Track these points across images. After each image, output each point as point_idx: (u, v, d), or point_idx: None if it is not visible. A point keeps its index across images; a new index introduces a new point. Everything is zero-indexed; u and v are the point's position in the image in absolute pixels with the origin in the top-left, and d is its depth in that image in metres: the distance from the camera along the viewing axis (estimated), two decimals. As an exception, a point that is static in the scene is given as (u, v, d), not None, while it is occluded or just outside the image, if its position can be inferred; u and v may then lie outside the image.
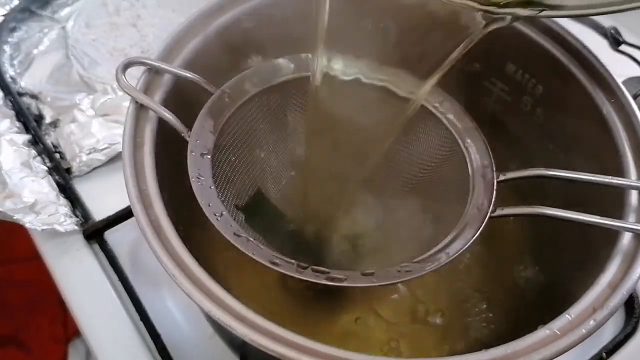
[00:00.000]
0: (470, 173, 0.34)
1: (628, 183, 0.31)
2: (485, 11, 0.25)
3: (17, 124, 0.49)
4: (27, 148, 0.47)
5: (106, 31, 0.58)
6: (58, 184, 0.46)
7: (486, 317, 0.38)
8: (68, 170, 0.47)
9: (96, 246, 0.44)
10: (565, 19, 0.34)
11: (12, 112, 0.50)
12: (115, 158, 0.48)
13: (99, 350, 0.39)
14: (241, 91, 0.35)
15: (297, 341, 0.24)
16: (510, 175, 0.33)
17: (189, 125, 0.32)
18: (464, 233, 0.31)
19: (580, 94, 0.36)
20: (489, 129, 0.35)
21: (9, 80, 0.52)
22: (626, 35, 0.50)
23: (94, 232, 0.43)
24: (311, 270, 0.28)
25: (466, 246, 0.30)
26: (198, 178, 0.31)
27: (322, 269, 0.29)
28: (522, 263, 0.40)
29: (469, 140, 0.35)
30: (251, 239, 0.29)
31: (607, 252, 0.30)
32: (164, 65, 0.33)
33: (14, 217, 0.42)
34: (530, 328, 0.27)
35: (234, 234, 0.29)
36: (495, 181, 0.33)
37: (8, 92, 0.51)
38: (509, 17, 0.26)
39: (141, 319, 0.39)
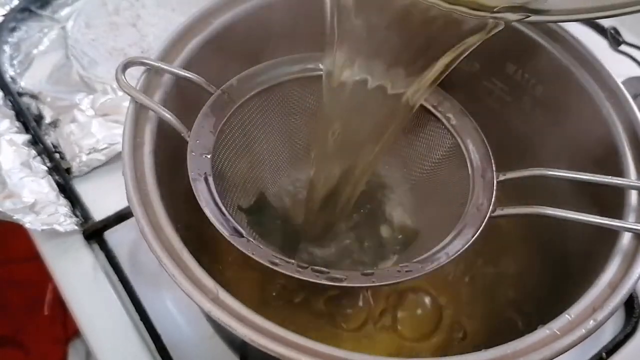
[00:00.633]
0: (470, 173, 0.34)
1: (628, 183, 0.31)
2: (480, 17, 0.26)
3: (17, 124, 0.49)
4: (26, 148, 0.47)
5: (106, 31, 0.58)
6: (58, 184, 0.46)
7: (485, 317, 0.38)
8: (68, 170, 0.47)
9: (96, 246, 0.43)
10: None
11: (12, 112, 0.50)
12: (115, 158, 0.48)
13: (99, 350, 0.39)
14: (241, 91, 0.35)
15: (297, 341, 0.24)
16: (510, 175, 0.33)
17: (189, 125, 0.32)
18: (464, 233, 0.31)
19: (580, 94, 0.36)
20: (489, 129, 0.35)
21: (9, 80, 0.52)
22: (626, 36, 0.50)
23: (94, 232, 0.43)
24: (311, 270, 0.28)
25: (466, 246, 0.30)
26: (198, 178, 0.31)
27: (322, 269, 0.29)
28: (522, 263, 0.40)
29: (468, 140, 0.35)
30: (251, 239, 0.29)
31: (607, 252, 0.30)
32: (163, 65, 0.33)
33: (14, 217, 0.42)
34: (530, 328, 0.27)
35: (234, 234, 0.29)
36: (495, 181, 0.33)
37: (8, 92, 0.51)
38: (502, 22, 0.26)
39: (141, 319, 0.39)
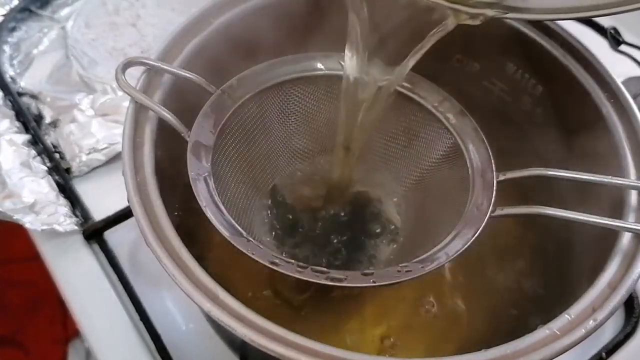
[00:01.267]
0: (470, 173, 0.34)
1: (628, 183, 0.31)
2: (457, 10, 0.28)
3: (17, 124, 0.49)
4: (26, 148, 0.47)
5: (106, 31, 0.58)
6: (58, 184, 0.46)
7: (484, 317, 0.38)
8: (68, 170, 0.47)
9: (96, 246, 0.43)
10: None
11: (12, 112, 0.50)
12: (115, 158, 0.48)
13: (99, 350, 0.39)
14: (241, 91, 0.35)
15: (297, 341, 0.24)
16: (510, 175, 0.33)
17: (189, 125, 0.32)
18: (463, 233, 0.31)
19: (580, 94, 0.36)
20: (489, 129, 0.35)
21: (9, 80, 0.52)
22: (626, 35, 0.50)
23: (94, 232, 0.43)
24: (311, 270, 0.28)
25: (466, 246, 0.30)
26: (198, 178, 0.31)
27: (322, 269, 0.29)
28: (521, 262, 0.40)
29: (468, 140, 0.35)
30: (251, 239, 0.29)
31: (606, 251, 0.30)
32: (163, 65, 0.33)
33: (14, 217, 0.42)
34: (530, 328, 0.27)
35: (234, 234, 0.29)
36: (495, 181, 0.33)
37: (8, 92, 0.51)
38: (480, 17, 0.28)
39: (141, 319, 0.39)
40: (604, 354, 0.40)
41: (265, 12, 0.38)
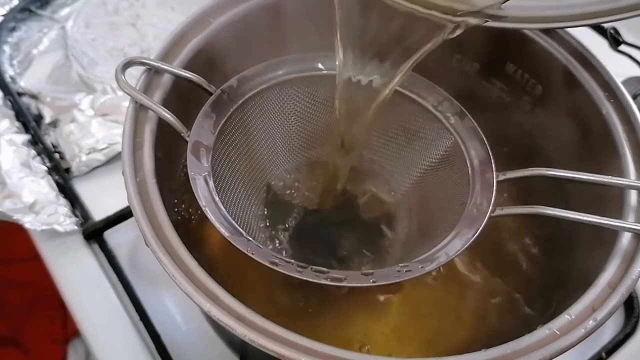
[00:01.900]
0: (469, 173, 0.34)
1: (627, 183, 0.31)
2: (444, 19, 0.29)
3: (17, 123, 0.49)
4: (26, 148, 0.47)
5: (105, 31, 0.58)
6: (57, 184, 0.46)
7: (485, 317, 0.38)
8: (67, 170, 0.47)
9: (96, 246, 0.43)
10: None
11: (12, 112, 0.50)
12: (115, 158, 0.48)
13: (99, 350, 0.39)
14: (241, 91, 0.35)
15: (296, 341, 0.24)
16: (510, 175, 0.33)
17: (189, 125, 0.32)
18: (463, 233, 0.31)
19: (579, 94, 0.36)
20: (489, 129, 0.35)
21: (9, 80, 0.52)
22: (626, 35, 0.50)
23: (94, 232, 0.43)
24: (310, 270, 0.28)
25: (466, 246, 0.30)
26: (197, 178, 0.31)
27: (322, 268, 0.29)
28: (521, 262, 0.40)
29: (468, 140, 0.35)
30: (251, 239, 0.29)
31: (606, 251, 0.30)
32: (163, 65, 0.33)
33: (14, 217, 0.42)
34: (530, 328, 0.27)
35: (234, 234, 0.29)
36: (494, 181, 0.33)
37: (7, 92, 0.51)
38: (463, 25, 0.29)
39: (141, 319, 0.39)
40: (604, 353, 0.40)
41: (265, 11, 0.38)
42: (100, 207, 0.45)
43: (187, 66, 0.34)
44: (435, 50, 0.34)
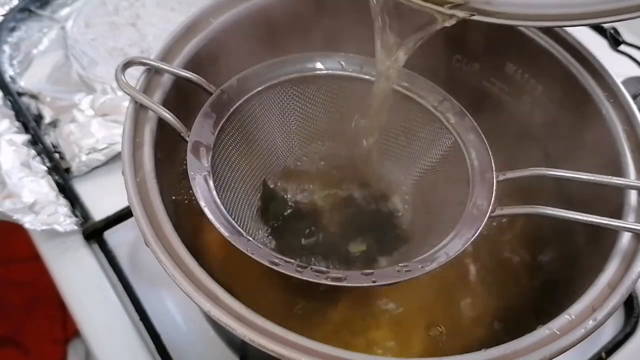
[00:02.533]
0: (469, 173, 0.34)
1: (627, 183, 0.31)
2: (437, 12, 0.31)
3: (17, 123, 0.49)
4: (26, 148, 0.47)
5: (105, 31, 0.58)
6: (57, 184, 0.46)
7: (485, 316, 0.38)
8: (67, 170, 0.47)
9: (96, 246, 0.44)
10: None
11: (12, 112, 0.50)
12: (115, 158, 0.48)
13: (99, 350, 0.39)
14: (241, 91, 0.35)
15: (296, 341, 0.24)
16: (510, 174, 0.33)
17: (189, 125, 0.32)
18: (463, 232, 0.31)
19: (579, 93, 0.36)
20: (489, 129, 0.35)
21: (9, 80, 0.52)
22: (626, 35, 0.50)
23: (94, 232, 0.43)
24: (310, 270, 0.28)
25: (465, 246, 0.30)
26: (197, 177, 0.31)
27: (322, 268, 0.29)
28: (521, 262, 0.40)
29: (468, 140, 0.35)
30: (251, 239, 0.29)
31: (606, 251, 0.30)
32: (163, 65, 0.33)
33: (14, 217, 0.42)
34: (530, 328, 0.27)
35: (234, 233, 0.29)
36: (494, 181, 0.33)
37: (7, 92, 0.51)
38: (455, 18, 0.31)
39: (141, 319, 0.39)
40: (603, 353, 0.40)
41: (265, 12, 0.38)
42: (100, 207, 0.45)
43: (187, 66, 0.34)
44: (435, 50, 0.35)
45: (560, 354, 0.26)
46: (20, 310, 0.84)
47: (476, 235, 0.30)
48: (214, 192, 0.31)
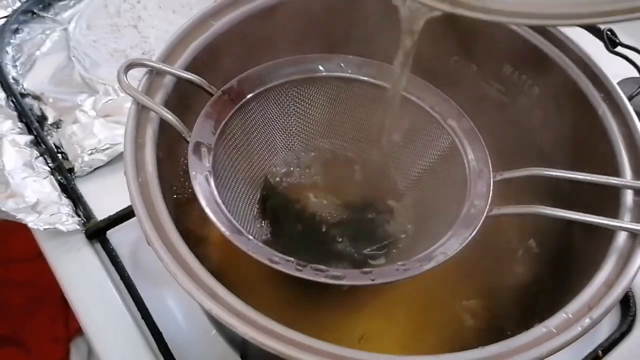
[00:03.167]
0: (467, 173, 0.34)
1: (623, 182, 0.32)
2: (422, 4, 0.31)
3: (20, 124, 0.49)
4: (29, 149, 0.48)
5: (107, 32, 0.58)
6: (60, 184, 0.46)
7: (483, 315, 0.39)
8: (70, 171, 0.47)
9: (98, 245, 0.44)
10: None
11: (15, 113, 0.50)
12: (117, 158, 0.48)
13: (101, 348, 0.39)
14: (241, 92, 0.35)
15: (297, 339, 0.25)
16: (507, 175, 0.33)
17: (190, 126, 0.33)
18: (461, 232, 0.31)
19: (576, 94, 0.36)
20: (486, 129, 0.36)
21: (12, 81, 0.53)
22: (622, 37, 0.50)
23: (96, 232, 0.44)
24: (310, 269, 0.29)
25: (463, 245, 0.30)
26: (199, 178, 0.31)
27: (321, 267, 0.29)
28: (517, 261, 0.41)
29: (465, 141, 0.35)
30: (251, 238, 0.30)
31: (602, 250, 0.30)
32: (165, 67, 0.33)
33: (17, 217, 0.42)
34: (527, 326, 0.27)
35: (235, 232, 0.30)
36: (492, 181, 0.33)
37: (10, 93, 0.51)
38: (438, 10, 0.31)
39: (143, 318, 0.40)
40: (600, 352, 0.40)
41: (266, 14, 0.39)
42: (102, 207, 0.45)
43: (188, 68, 0.35)
44: (433, 51, 0.35)
45: (557, 351, 0.26)
46: (21, 310, 0.84)
47: (474, 234, 0.31)
48: (215, 192, 0.31)
